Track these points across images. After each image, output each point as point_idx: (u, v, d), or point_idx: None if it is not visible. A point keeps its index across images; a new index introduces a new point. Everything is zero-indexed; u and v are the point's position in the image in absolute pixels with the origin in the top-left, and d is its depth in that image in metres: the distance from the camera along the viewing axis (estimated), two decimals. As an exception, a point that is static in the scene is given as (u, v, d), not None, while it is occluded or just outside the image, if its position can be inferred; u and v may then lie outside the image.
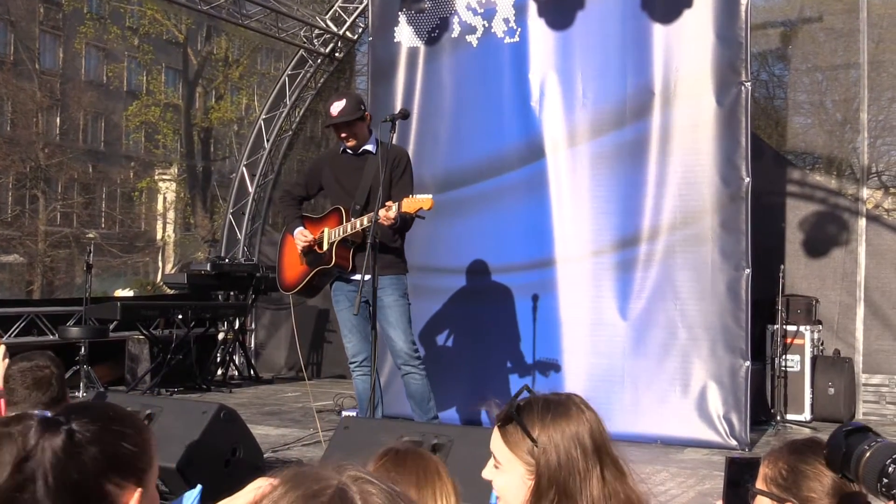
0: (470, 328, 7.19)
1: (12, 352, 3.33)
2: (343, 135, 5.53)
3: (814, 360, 7.64)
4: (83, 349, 8.15)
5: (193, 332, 9.12)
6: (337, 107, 5.51)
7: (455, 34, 7.42)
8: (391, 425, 4.76)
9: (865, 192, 8.10)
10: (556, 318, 6.88)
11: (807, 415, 7.51)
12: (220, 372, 10.01)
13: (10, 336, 8.31)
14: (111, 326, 8.94)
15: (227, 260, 10.30)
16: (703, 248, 6.44)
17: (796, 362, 7.59)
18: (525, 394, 1.93)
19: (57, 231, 27.33)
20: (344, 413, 7.12)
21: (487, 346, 7.00)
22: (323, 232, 5.59)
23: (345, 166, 5.68)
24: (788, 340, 7.57)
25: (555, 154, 7.01)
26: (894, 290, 7.86)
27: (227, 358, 10.17)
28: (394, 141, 5.52)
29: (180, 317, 8.97)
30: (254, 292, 10.32)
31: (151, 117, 26.99)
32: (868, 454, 1.56)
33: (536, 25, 7.09)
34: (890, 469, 1.51)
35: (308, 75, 10.96)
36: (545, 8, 7.04)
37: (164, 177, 30.62)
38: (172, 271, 26.38)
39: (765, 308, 7.44)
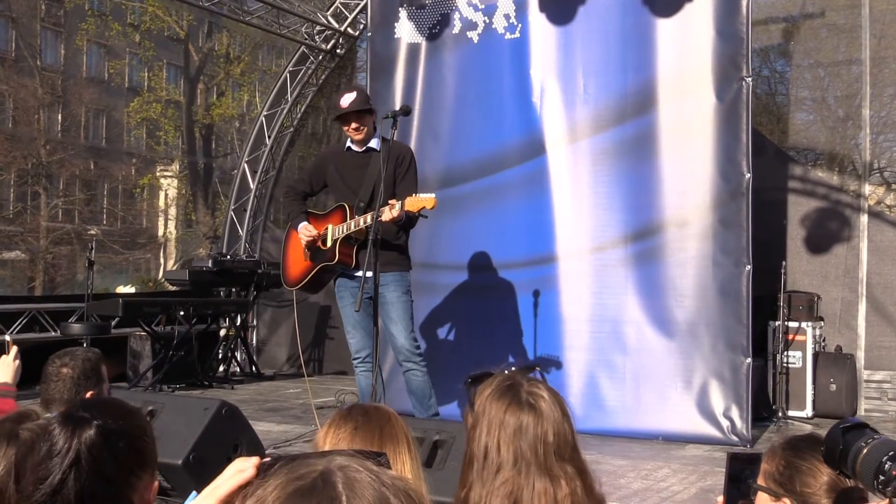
0: (471, 324, 7.19)
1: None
2: (354, 125, 5.52)
3: (815, 356, 7.64)
4: (85, 346, 8.15)
5: (195, 328, 9.12)
6: (348, 98, 5.53)
7: (456, 30, 7.41)
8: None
9: (867, 189, 8.09)
10: (557, 315, 6.88)
11: (808, 411, 7.51)
12: (221, 368, 10.02)
13: (11, 333, 8.32)
14: (113, 323, 8.95)
15: (228, 256, 10.31)
16: (704, 244, 6.43)
17: (798, 359, 7.59)
18: (536, 372, 2.02)
19: (59, 228, 27.35)
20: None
21: (489, 342, 7.00)
22: (327, 228, 5.60)
23: (349, 163, 5.68)
24: (790, 337, 7.57)
25: (556, 150, 7.00)
26: (896, 286, 7.86)
27: (229, 354, 10.19)
28: (395, 137, 5.53)
29: (182, 313, 8.98)
30: (255, 289, 10.33)
31: (153, 114, 27.00)
32: (865, 451, 1.57)
33: (537, 21, 7.08)
34: (886, 466, 1.51)
35: (309, 72, 10.95)
36: (546, 3, 7.03)
37: (166, 173, 30.64)
38: (174, 268, 26.39)
39: (766, 304, 7.44)
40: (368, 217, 5.30)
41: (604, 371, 6.62)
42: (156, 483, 1.75)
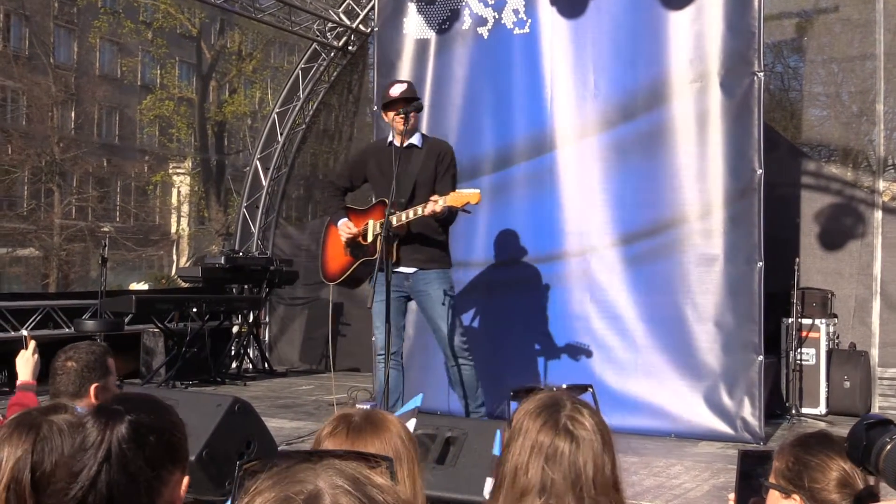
0: (480, 321, 7.18)
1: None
2: (402, 115, 5.49)
3: (829, 353, 7.60)
4: (98, 342, 8.19)
5: (208, 325, 9.16)
6: (398, 87, 5.60)
7: (466, 26, 7.39)
8: (407, 416, 4.76)
9: (882, 184, 8.04)
10: (566, 312, 6.86)
11: (822, 408, 7.47)
12: (234, 365, 10.05)
13: (26, 329, 8.37)
14: (126, 319, 8.99)
15: (241, 253, 10.34)
16: (715, 240, 6.40)
17: (812, 356, 7.55)
18: (588, 394, 1.95)
19: (72, 225, 27.49)
20: (358, 406, 7.14)
21: (496, 341, 6.97)
22: (368, 224, 5.62)
23: (390, 158, 5.70)
24: (804, 334, 7.53)
25: (565, 146, 6.98)
26: (910, 282, 7.81)
27: (242, 351, 10.22)
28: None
29: (195, 310, 9.01)
30: (268, 286, 10.36)
31: (165, 111, 27.09)
32: (889, 447, 1.55)
33: (547, 16, 7.05)
34: None
35: (321, 69, 10.96)
36: (557, -2, 7.00)
37: (179, 170, 30.75)
38: (187, 265, 26.50)
39: (780, 301, 7.40)
40: (410, 212, 5.36)
41: (614, 368, 6.60)
42: (186, 478, 1.76)
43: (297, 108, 11.05)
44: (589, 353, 6.72)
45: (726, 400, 6.27)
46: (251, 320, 10.44)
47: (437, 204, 5.22)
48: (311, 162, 11.57)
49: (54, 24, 29.97)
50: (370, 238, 5.60)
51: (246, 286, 10.51)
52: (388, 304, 5.34)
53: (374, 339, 7.59)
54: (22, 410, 2.10)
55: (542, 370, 6.72)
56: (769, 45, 8.20)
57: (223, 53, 27.75)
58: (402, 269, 5.50)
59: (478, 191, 5.26)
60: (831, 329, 7.70)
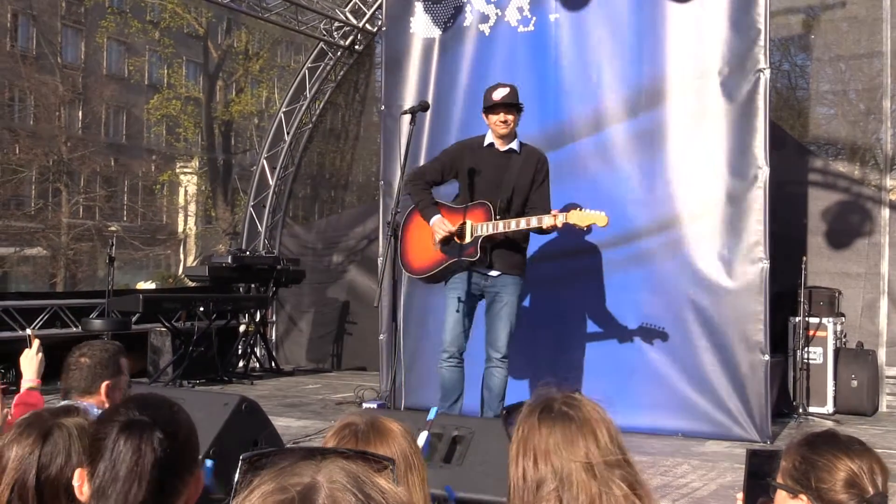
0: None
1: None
2: (502, 119, 5.59)
3: (836, 352, 7.58)
4: (114, 342, 8.20)
5: (215, 324, 9.18)
6: (502, 91, 5.65)
7: (468, 23, 7.37)
8: (416, 416, 4.76)
9: (889, 182, 8.02)
10: (572, 312, 6.84)
11: (829, 407, 7.45)
12: (241, 364, 10.07)
13: (33, 328, 8.39)
14: (133, 319, 9.02)
15: (247, 252, 10.35)
16: (720, 239, 6.37)
17: (819, 354, 7.53)
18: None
19: (79, 224, 27.58)
20: (364, 405, 7.15)
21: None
22: (465, 223, 5.61)
23: (489, 161, 5.70)
24: (811, 333, 7.51)
25: (569, 144, 6.95)
26: (918, 281, 7.79)
27: (249, 350, 10.23)
28: (412, 132, 5.57)
29: (202, 309, 9.03)
30: (274, 285, 10.37)
31: (172, 111, 27.17)
32: None
33: (551, 14, 7.03)
34: None
35: (328, 68, 10.97)
36: (562, -4, 6.98)
37: (186, 170, 30.82)
38: (194, 264, 26.57)
39: (787, 300, 7.38)
40: (522, 221, 5.43)
41: (621, 367, 6.58)
42: (201, 474, 1.77)
43: (303, 108, 11.06)
44: (596, 353, 6.70)
45: (733, 399, 6.25)
46: (258, 319, 10.46)
47: (556, 219, 5.27)
48: (317, 161, 11.58)
49: (62, 24, 30.06)
50: (468, 239, 5.58)
51: (253, 285, 10.53)
52: (467, 304, 5.53)
53: (380, 338, 7.63)
54: (33, 411, 2.10)
55: (536, 372, 6.64)
56: (776, 43, 8.17)
57: (230, 53, 27.79)
58: (492, 272, 5.60)
59: (604, 214, 5.25)
60: (839, 328, 7.68)
